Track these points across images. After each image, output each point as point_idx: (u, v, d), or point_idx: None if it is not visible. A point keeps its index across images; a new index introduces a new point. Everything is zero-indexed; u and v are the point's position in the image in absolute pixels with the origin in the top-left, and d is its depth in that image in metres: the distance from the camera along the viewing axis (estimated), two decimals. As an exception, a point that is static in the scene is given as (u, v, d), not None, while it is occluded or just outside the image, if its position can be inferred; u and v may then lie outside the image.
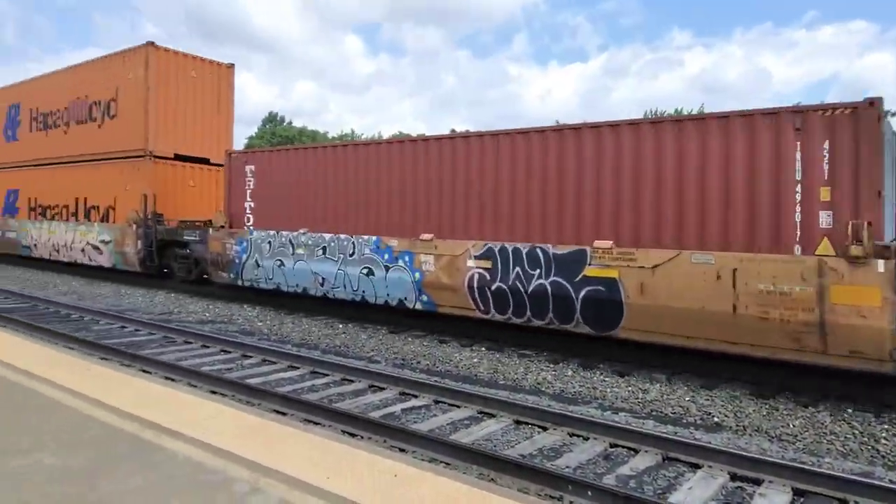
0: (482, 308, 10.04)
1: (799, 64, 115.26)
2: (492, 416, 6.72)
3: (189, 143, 17.91)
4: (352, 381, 8.06)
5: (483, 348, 10.07)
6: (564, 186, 9.33)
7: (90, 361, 6.62)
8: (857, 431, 6.53)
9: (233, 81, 19.21)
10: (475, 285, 10.07)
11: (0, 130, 23.65)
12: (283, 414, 6.48)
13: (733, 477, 5.26)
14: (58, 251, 19.92)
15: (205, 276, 15.72)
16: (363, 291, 11.68)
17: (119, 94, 18.08)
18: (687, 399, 7.58)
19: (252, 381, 7.71)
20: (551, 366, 9.07)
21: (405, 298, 11.06)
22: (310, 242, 12.57)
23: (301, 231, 12.75)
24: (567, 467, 5.35)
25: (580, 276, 8.95)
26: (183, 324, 11.84)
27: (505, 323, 9.90)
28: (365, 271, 11.62)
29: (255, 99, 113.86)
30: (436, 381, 7.95)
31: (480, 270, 9.99)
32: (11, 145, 22.95)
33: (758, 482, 5.15)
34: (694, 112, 37.09)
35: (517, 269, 9.58)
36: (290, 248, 12.90)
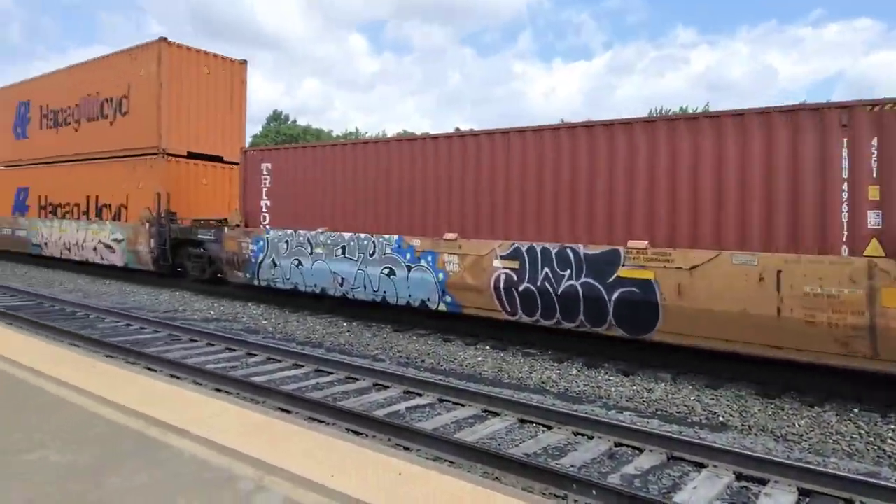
0: (509, 310, 9.77)
1: (805, 62, 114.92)
2: (496, 414, 6.72)
3: (202, 141, 17.69)
4: (356, 380, 8.07)
5: (487, 347, 10.07)
6: (595, 185, 9.06)
7: (95, 359, 6.64)
8: (863, 431, 6.51)
9: (245, 78, 18.95)
10: (501, 286, 9.81)
11: (9, 128, 23.49)
12: (288, 412, 6.49)
13: (738, 476, 5.25)
14: (69, 250, 19.70)
15: (219, 276, 15.53)
16: (384, 292, 11.46)
17: (131, 90, 17.84)
18: (692, 398, 7.56)
19: (257, 380, 7.73)
20: (556, 365, 9.06)
21: (428, 299, 10.83)
22: (328, 242, 12.34)
23: (319, 230, 12.53)
24: (571, 466, 5.34)
25: (613, 278, 8.67)
26: (188, 322, 11.86)
27: (533, 325, 9.62)
28: (386, 271, 11.38)
29: (260, 97, 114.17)
30: (440, 379, 7.95)
31: (507, 271, 9.72)
32: (21, 143, 22.78)
33: (763, 482, 5.13)
34: (699, 110, 36.98)
35: (546, 269, 9.31)
36: (309, 248, 12.67)
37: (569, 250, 9.13)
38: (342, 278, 12.06)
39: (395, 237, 11.31)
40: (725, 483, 5.13)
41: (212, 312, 13.28)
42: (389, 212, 11.57)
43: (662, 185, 8.48)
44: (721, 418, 6.96)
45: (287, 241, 13.10)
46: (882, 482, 4.94)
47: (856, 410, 7.09)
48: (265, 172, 13.87)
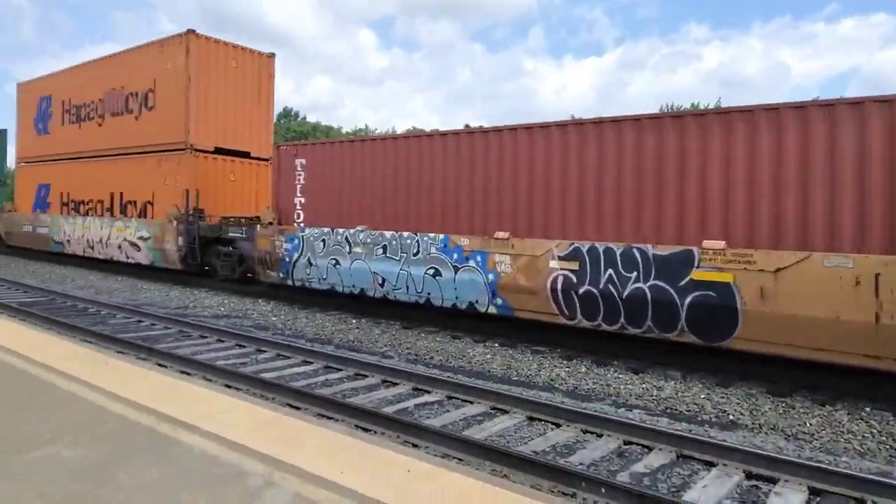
0: (567, 313, 9.26)
1: (818, 57, 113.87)
2: (505, 412, 6.71)
3: (230, 136, 17.31)
4: (365, 376, 8.09)
5: (496, 344, 10.06)
6: (664, 181, 8.54)
7: (107, 355, 6.69)
8: (874, 430, 6.45)
9: (273, 72, 18.50)
10: (559, 288, 9.29)
11: (31, 124, 23.16)
12: (297, 408, 6.52)
13: (748, 475, 5.22)
14: (92, 248, 19.35)
15: (249, 275, 15.14)
16: (428, 293, 10.96)
17: (157, 84, 17.41)
18: (702, 397, 7.53)
19: (266, 376, 7.76)
20: (565, 362, 9.04)
21: (476, 301, 10.34)
22: (368, 241, 11.84)
23: (359, 228, 12.06)
24: (580, 464, 5.33)
25: (686, 280, 8.12)
26: (198, 318, 11.93)
27: (596, 330, 9.15)
28: (431, 272, 10.89)
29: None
30: (449, 376, 7.95)
31: (565, 272, 9.20)
32: (42, 139, 22.43)
33: (773, 481, 5.10)
34: (711, 106, 36.70)
35: (609, 271, 8.78)
36: (347, 247, 12.22)
37: (635, 251, 8.60)
38: (383, 278, 11.61)
39: (441, 236, 10.83)
40: (735, 482, 5.10)
41: (222, 309, 13.35)
42: (433, 209, 11.12)
43: (739, 182, 7.97)
44: (731, 417, 6.92)
45: (324, 240, 12.67)
46: (894, 481, 4.89)
47: (868, 409, 7.03)
48: (299, 168, 13.45)
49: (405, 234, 11.34)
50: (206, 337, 10.26)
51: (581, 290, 9.08)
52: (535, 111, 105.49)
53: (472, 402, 7.01)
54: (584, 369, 8.70)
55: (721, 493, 4.89)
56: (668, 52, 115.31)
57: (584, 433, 6.14)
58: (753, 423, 6.71)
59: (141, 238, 17.53)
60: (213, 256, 15.96)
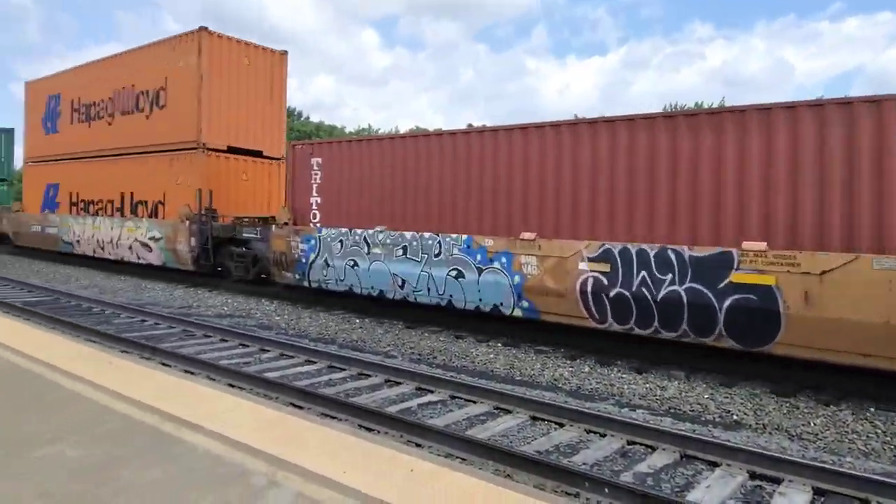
0: (597, 317, 8.97)
1: (822, 56, 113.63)
2: (508, 411, 6.71)
3: (242, 135, 17.05)
4: (368, 376, 8.09)
5: (499, 344, 10.06)
6: (699, 179, 8.25)
7: (111, 354, 6.71)
8: (879, 430, 6.43)
9: (286, 70, 18.22)
10: (589, 291, 8.99)
11: (39, 123, 22.91)
12: (301, 408, 6.52)
13: (752, 476, 5.20)
14: (102, 248, 19.09)
15: (263, 276, 14.88)
16: (450, 296, 10.68)
17: (168, 82, 17.16)
18: (705, 397, 7.51)
19: (270, 375, 7.77)
20: (568, 362, 9.03)
21: (501, 304, 10.06)
22: (388, 241, 11.52)
23: (378, 229, 11.73)
24: (584, 464, 5.32)
25: (725, 283, 7.81)
26: (202, 318, 11.95)
27: (626, 333, 8.83)
28: (453, 273, 10.60)
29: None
30: (452, 376, 7.95)
31: (596, 274, 8.89)
32: (51, 138, 22.20)
33: (777, 481, 5.09)
34: (715, 105, 36.57)
35: (643, 273, 8.47)
36: (366, 248, 11.87)
37: (670, 252, 8.28)
38: (403, 280, 11.33)
39: (464, 237, 10.52)
40: (739, 482, 5.09)
41: (225, 308, 13.37)
42: (455, 210, 10.83)
43: (781, 180, 7.67)
44: (735, 417, 6.90)
45: (341, 241, 12.35)
46: (899, 482, 4.87)
47: (872, 409, 7.01)
48: (315, 168, 13.14)
49: (426, 234, 11.06)
50: (209, 336, 10.28)
51: (612, 293, 8.77)
52: (538, 111, 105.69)
53: (475, 402, 7.01)
54: (587, 369, 8.69)
55: (725, 494, 4.88)
56: (671, 52, 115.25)
57: (587, 433, 6.13)
58: (757, 423, 6.69)
59: (152, 238, 17.28)
60: (226, 257, 15.73)
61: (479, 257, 10.32)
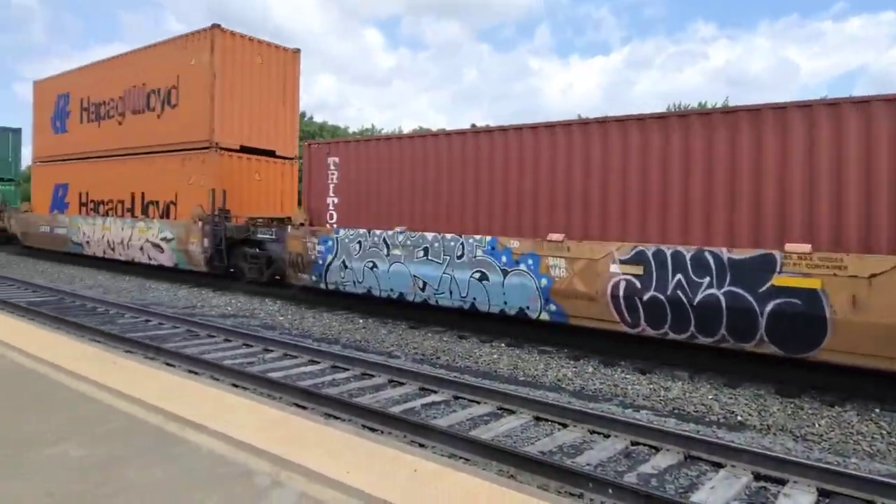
0: (629, 321, 8.68)
1: (826, 56, 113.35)
2: (511, 412, 6.70)
3: (255, 134, 16.78)
4: (372, 376, 8.09)
5: (503, 344, 10.05)
6: (737, 179, 7.96)
7: (115, 354, 6.73)
8: (884, 431, 6.40)
9: (299, 68, 17.92)
10: (620, 294, 8.70)
11: (47, 122, 22.66)
12: (304, 408, 6.53)
13: (757, 477, 5.19)
14: (113, 249, 18.84)
15: (277, 278, 14.67)
16: (473, 298, 10.41)
17: (180, 81, 16.89)
18: (710, 397, 7.49)
19: (273, 375, 7.78)
20: (571, 362, 9.02)
21: (527, 308, 9.76)
22: (408, 243, 11.25)
23: (398, 230, 11.47)
24: (587, 465, 5.31)
25: (766, 287, 7.52)
26: (206, 318, 11.97)
27: (660, 340, 8.55)
28: (477, 275, 10.32)
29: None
30: (455, 376, 7.95)
31: (628, 277, 8.61)
32: (60, 137, 21.98)
33: (782, 482, 5.07)
34: (718, 105, 36.45)
35: (678, 276, 8.18)
36: (385, 249, 11.61)
37: (708, 254, 7.98)
38: (424, 282, 11.05)
39: (488, 238, 10.22)
40: (744, 483, 5.08)
41: (229, 308, 13.39)
42: (478, 211, 10.56)
43: (824, 180, 7.41)
44: (739, 417, 6.89)
45: (360, 242, 12.06)
46: (904, 484, 4.85)
47: (877, 410, 6.98)
48: (332, 167, 12.87)
49: (448, 235, 10.76)
50: (213, 336, 10.29)
51: (646, 297, 8.47)
52: (541, 111, 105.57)
53: (478, 403, 7.00)
54: (590, 369, 8.68)
55: (729, 495, 4.86)
56: (674, 51, 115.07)
57: (591, 434, 6.12)
58: (762, 424, 6.67)
59: (164, 239, 17.02)
60: (239, 258, 15.44)
61: (504, 259, 10.04)
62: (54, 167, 22.21)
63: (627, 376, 8.34)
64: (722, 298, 7.88)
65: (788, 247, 7.52)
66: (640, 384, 8.00)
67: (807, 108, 7.61)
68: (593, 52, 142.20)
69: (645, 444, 5.83)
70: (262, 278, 14.89)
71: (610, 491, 4.66)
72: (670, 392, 7.69)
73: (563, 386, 8.04)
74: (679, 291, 8.23)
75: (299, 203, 16.61)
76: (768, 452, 5.42)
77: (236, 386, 7.18)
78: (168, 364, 8.05)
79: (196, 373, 7.72)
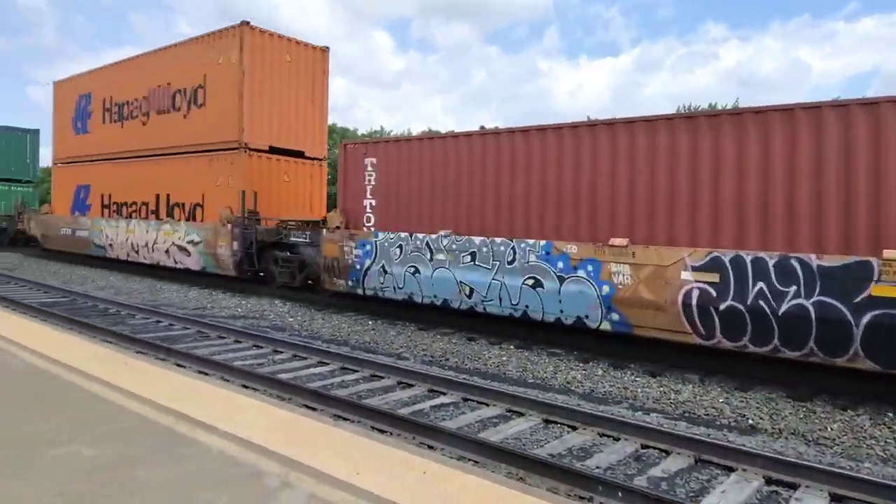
0: (703, 332, 8.13)
1: (838, 56, 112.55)
2: (521, 414, 6.69)
3: (284, 135, 16.46)
4: (381, 378, 8.10)
5: (512, 346, 10.03)
6: (824, 181, 7.41)
7: (127, 355, 6.78)
8: (898, 436, 6.34)
9: (327, 67, 17.59)
10: (693, 303, 8.15)
11: (68, 123, 22.45)
12: (314, 409, 6.54)
13: (768, 481, 5.15)
14: (137, 252, 18.53)
15: (310, 283, 14.35)
16: (525, 306, 9.87)
17: (207, 80, 16.59)
18: (720, 400, 7.45)
19: (283, 377, 7.80)
20: (581, 365, 8.99)
21: (586, 316, 9.24)
22: (454, 247, 10.78)
23: (442, 233, 11.00)
24: (597, 468, 5.29)
25: (863, 296, 7.00)
26: (216, 319, 12.03)
27: (738, 352, 8.00)
28: (530, 282, 9.82)
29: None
30: (464, 378, 7.94)
31: (702, 285, 8.07)
32: (81, 138, 21.75)
33: (794, 486, 5.03)
34: (728, 106, 36.21)
35: (760, 284, 7.64)
36: (428, 254, 11.14)
37: (794, 261, 7.43)
38: (471, 289, 10.57)
39: (543, 242, 9.68)
40: (755, 487, 5.04)
41: (239, 310, 13.45)
42: (529, 213, 10.05)
43: None
44: (751, 421, 6.84)
45: (401, 246, 11.60)
46: (918, 489, 4.80)
47: (890, 414, 6.92)
48: (369, 168, 12.42)
49: (498, 240, 10.25)
50: (223, 337, 10.34)
51: (722, 306, 7.93)
52: (550, 112, 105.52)
53: (487, 405, 7.00)
54: (600, 372, 8.65)
55: (740, 499, 4.83)
56: (685, 52, 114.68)
57: (600, 436, 6.10)
58: (773, 428, 6.62)
59: (191, 242, 16.64)
60: (270, 262, 15.07)
61: (560, 265, 9.49)
62: (75, 168, 22.01)
63: (637, 379, 8.30)
64: (811, 309, 7.32)
65: (887, 253, 6.94)
66: (650, 387, 7.97)
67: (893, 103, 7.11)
68: (603, 54, 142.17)
69: (655, 448, 5.80)
70: (294, 283, 14.53)
71: (620, 494, 4.64)
72: (681, 395, 7.65)
73: (573, 388, 8.02)
74: (761, 301, 7.65)
75: (332, 205, 16.35)
76: (780, 456, 5.38)
77: (246, 387, 7.21)
78: (179, 365, 8.09)
79: (206, 374, 7.76)
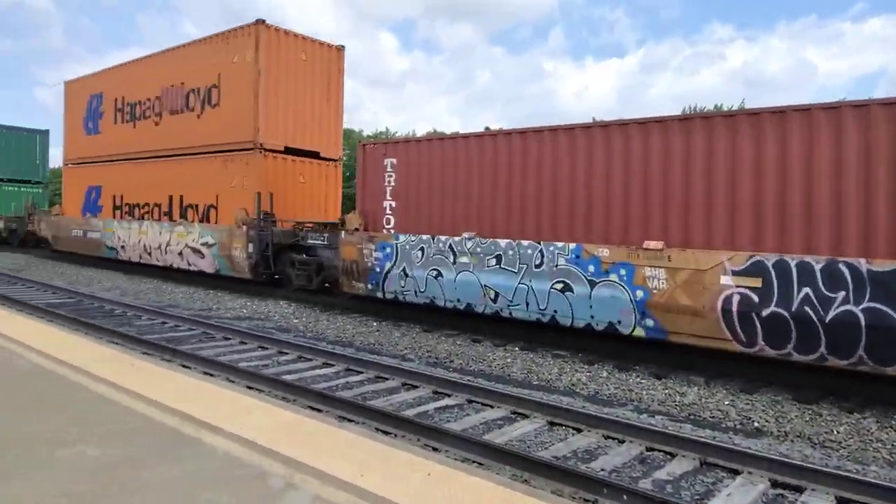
0: (744, 339, 7.84)
1: (845, 57, 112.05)
2: (525, 416, 6.68)
3: (299, 135, 16.25)
4: (385, 379, 8.11)
5: (516, 348, 10.03)
6: (872, 179, 7.08)
7: (133, 356, 6.80)
8: (905, 439, 6.30)
9: (343, 66, 17.33)
10: (734, 309, 7.88)
11: (80, 124, 22.29)
12: (319, 411, 6.56)
13: (774, 484, 5.13)
14: (150, 254, 18.35)
15: (327, 286, 14.17)
16: (554, 311, 9.62)
17: (222, 80, 16.36)
18: (726, 403, 7.42)
19: (288, 378, 7.82)
20: (586, 367, 8.97)
21: (618, 322, 8.97)
22: (478, 250, 10.56)
23: (466, 236, 10.77)
24: (602, 470, 5.28)
25: None
26: (221, 320, 12.07)
27: (781, 360, 7.68)
28: (559, 286, 9.55)
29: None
30: (469, 380, 7.94)
31: (743, 290, 7.80)
32: (92, 139, 21.59)
33: (800, 490, 5.01)
34: (735, 107, 36.10)
35: (806, 289, 7.35)
36: (451, 257, 10.92)
37: (843, 266, 7.13)
38: (496, 293, 10.32)
39: (572, 245, 9.42)
40: (760, 490, 5.02)
41: (244, 311, 13.49)
42: (557, 215, 9.77)
43: None
44: (756, 424, 6.81)
45: (423, 249, 11.37)
46: (926, 493, 4.77)
47: (898, 418, 6.88)
48: (389, 169, 12.15)
49: (525, 242, 10.00)
50: (229, 339, 10.37)
51: (765, 313, 7.65)
52: (556, 113, 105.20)
53: (492, 406, 6.99)
54: (605, 374, 8.63)
55: (746, 502, 4.81)
56: (690, 53, 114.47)
57: (605, 439, 6.09)
58: (779, 431, 6.60)
59: (205, 244, 16.41)
60: (286, 265, 14.85)
61: (591, 269, 9.22)
62: (87, 169, 21.88)
63: (642, 381, 8.28)
64: (861, 316, 7.04)
65: None
66: (655, 389, 7.95)
67: None
68: (608, 54, 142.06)
69: (660, 450, 5.78)
70: (311, 286, 14.34)
71: (624, 497, 4.62)
72: (686, 397, 7.63)
73: (578, 390, 8.01)
74: (807, 307, 7.37)
75: (350, 207, 16.15)
76: (786, 459, 5.35)
77: (251, 388, 7.22)
78: (184, 366, 8.12)
79: (212, 375, 7.78)
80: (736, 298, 7.90)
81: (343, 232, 12.91)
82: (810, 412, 7.09)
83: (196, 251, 16.79)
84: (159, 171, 18.41)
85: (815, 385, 7.77)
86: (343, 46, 17.45)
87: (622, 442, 5.98)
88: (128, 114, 20.02)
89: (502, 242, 10.31)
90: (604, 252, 9.10)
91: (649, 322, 8.71)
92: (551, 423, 6.49)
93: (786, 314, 7.53)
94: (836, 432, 6.51)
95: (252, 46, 15.50)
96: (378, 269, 12.13)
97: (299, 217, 15.63)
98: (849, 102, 7.52)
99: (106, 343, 8.13)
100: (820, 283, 7.30)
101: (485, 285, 10.50)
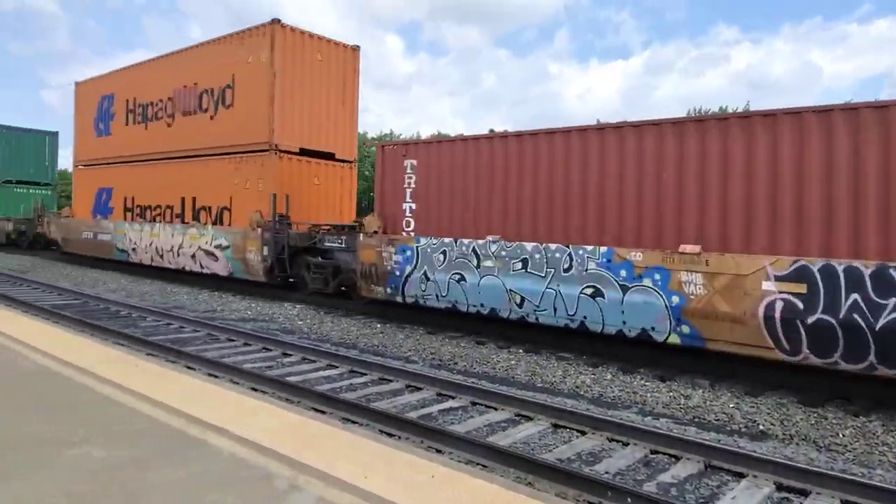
0: (787, 348, 7.53)
1: (850, 59, 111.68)
2: (529, 418, 6.68)
3: (315, 136, 16.03)
4: (389, 381, 8.12)
5: (521, 350, 10.02)
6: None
7: (138, 357, 6.83)
8: (911, 443, 6.27)
9: (358, 67, 17.12)
10: (776, 316, 7.57)
11: (90, 125, 22.12)
12: (323, 412, 6.56)
13: (779, 487, 5.11)
14: (161, 256, 18.12)
15: (343, 289, 13.91)
16: (583, 317, 9.31)
17: (236, 80, 16.12)
18: (731, 406, 7.40)
19: (292, 379, 7.83)
20: (590, 369, 8.96)
21: (652, 329, 8.66)
22: (503, 253, 10.28)
23: (490, 239, 10.53)
24: (606, 473, 5.27)
25: None
26: (226, 322, 12.09)
27: (826, 369, 7.43)
28: (589, 291, 9.27)
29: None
30: (473, 382, 7.94)
31: (786, 296, 7.50)
32: (103, 140, 21.41)
33: (805, 493, 4.99)
34: (739, 109, 35.98)
35: (854, 296, 7.04)
36: (475, 260, 10.65)
37: (893, 271, 6.82)
38: (522, 297, 10.05)
39: (603, 249, 9.14)
40: (765, 494, 5.00)
41: (249, 312, 13.51)
42: (586, 218, 9.50)
43: None
44: (761, 427, 6.79)
45: (445, 252, 11.10)
46: (932, 496, 4.74)
47: (904, 421, 6.85)
48: (409, 170, 11.90)
49: (553, 246, 9.71)
50: (233, 340, 10.39)
51: (810, 320, 7.35)
52: (560, 115, 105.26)
53: (496, 409, 6.99)
54: (609, 376, 8.62)
55: (750, 505, 4.80)
56: (696, 55, 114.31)
57: (609, 441, 6.08)
58: (784, 434, 6.58)
59: (218, 247, 16.16)
60: (302, 268, 14.52)
61: (623, 273, 8.92)
62: (97, 171, 21.72)
63: (647, 384, 8.27)
64: None
65: None
66: (659, 392, 7.93)
67: None
68: (613, 57, 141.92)
69: (664, 453, 5.77)
70: (328, 289, 14.01)
71: (629, 500, 4.61)
72: (690, 400, 7.61)
73: (582, 393, 8.00)
74: (856, 314, 7.06)
75: (367, 210, 15.91)
76: (791, 463, 5.34)
77: (255, 390, 7.23)
78: (189, 367, 8.14)
79: (216, 376, 7.79)
80: (779, 305, 7.60)
81: (361, 234, 12.71)
82: (816, 415, 7.06)
83: (209, 254, 16.57)
84: (172, 172, 18.21)
85: (821, 388, 7.74)
86: (358, 47, 17.19)
87: (626, 444, 5.96)
88: (139, 115, 19.82)
89: (528, 246, 10.05)
90: (636, 256, 8.81)
91: (685, 329, 8.41)
92: (555, 426, 6.48)
93: (833, 321, 7.22)
94: (841, 435, 6.49)
95: (267, 46, 15.29)
96: (398, 273, 11.89)
97: (314, 219, 15.40)
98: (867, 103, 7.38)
99: (111, 344, 8.16)
100: (870, 289, 7.00)
101: (510, 290, 10.22)
